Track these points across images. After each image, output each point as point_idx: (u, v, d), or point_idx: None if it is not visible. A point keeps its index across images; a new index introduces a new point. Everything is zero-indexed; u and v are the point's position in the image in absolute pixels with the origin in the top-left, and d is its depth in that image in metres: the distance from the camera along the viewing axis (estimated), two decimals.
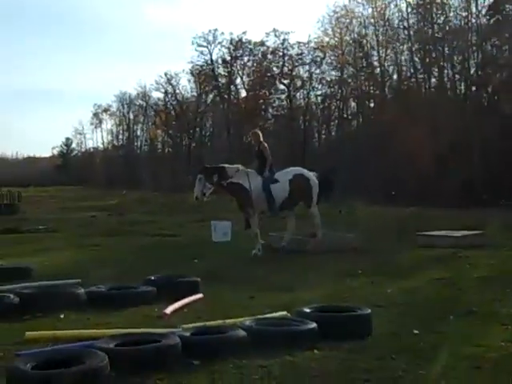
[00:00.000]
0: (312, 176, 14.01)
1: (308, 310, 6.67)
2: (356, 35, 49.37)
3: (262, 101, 58.44)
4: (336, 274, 10.71)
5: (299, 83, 55.10)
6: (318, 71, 53.18)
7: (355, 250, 13.67)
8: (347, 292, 8.98)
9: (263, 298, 8.49)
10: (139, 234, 18.12)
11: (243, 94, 61.73)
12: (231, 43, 59.47)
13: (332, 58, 51.59)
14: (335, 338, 6.12)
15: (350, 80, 50.11)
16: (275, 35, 55.75)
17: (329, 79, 52.19)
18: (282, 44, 55.67)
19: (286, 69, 55.70)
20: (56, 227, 20.69)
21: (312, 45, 53.00)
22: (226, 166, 13.87)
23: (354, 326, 6.41)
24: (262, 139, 13.95)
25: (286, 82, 55.76)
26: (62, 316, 7.45)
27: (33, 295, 7.96)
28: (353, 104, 52.27)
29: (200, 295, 8.47)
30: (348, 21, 49.32)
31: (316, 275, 10.66)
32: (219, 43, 60.21)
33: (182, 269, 10.50)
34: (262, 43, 57.50)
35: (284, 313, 7.15)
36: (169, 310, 7.40)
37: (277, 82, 56.74)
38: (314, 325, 6.13)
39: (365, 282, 10.03)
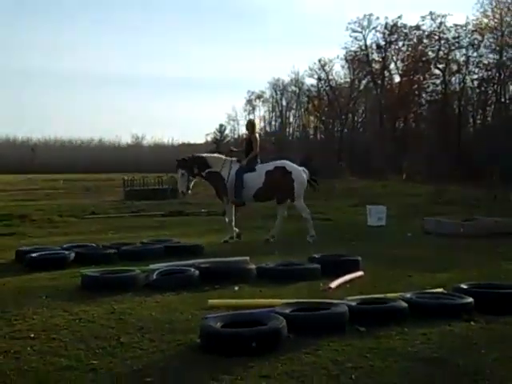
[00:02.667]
0: (297, 170, 13.66)
1: (465, 286, 7.16)
2: None
3: (415, 86, 57.87)
4: (491, 257, 11.02)
5: (455, 67, 54.03)
6: (475, 54, 51.98)
7: (510, 234, 13.82)
8: (502, 273, 9.29)
9: (420, 277, 8.98)
10: (295, 218, 18.83)
11: (397, 79, 61.43)
12: (386, 28, 59.24)
13: (491, 40, 50.26)
14: (491, 312, 6.59)
15: (509, 63, 48.63)
16: (431, 18, 54.98)
17: (486, 62, 50.92)
18: (439, 27, 54.76)
19: (441, 53, 54.74)
20: (216, 211, 21.81)
21: (470, 27, 51.80)
22: (206, 155, 14.04)
23: (509, 302, 6.83)
24: (256, 130, 14.00)
25: (441, 66, 54.85)
26: (236, 288, 8.27)
27: (210, 269, 8.89)
28: (511, 88, 50.76)
29: (361, 273, 9.09)
30: (509, 1, 47.83)
31: (471, 258, 11.02)
32: (374, 28, 60.19)
33: (341, 250, 11.09)
34: (418, 27, 56.77)
35: (441, 289, 7.62)
36: (333, 284, 8.06)
37: (432, 67, 55.91)
38: (470, 299, 6.63)
39: None
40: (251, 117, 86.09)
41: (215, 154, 14.26)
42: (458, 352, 5.41)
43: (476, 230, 14.17)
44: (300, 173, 13.66)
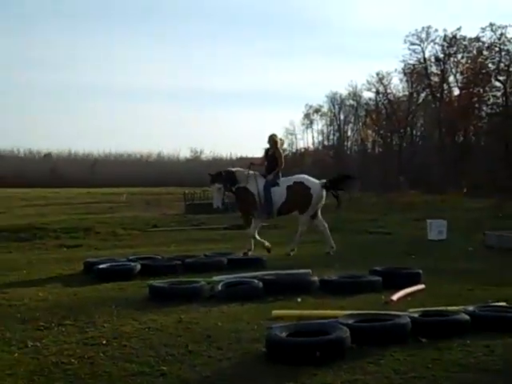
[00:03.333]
0: (315, 185, 13.69)
1: None
2: None
3: (475, 99, 57.17)
4: None
5: None
6: None
7: None
8: None
9: (481, 291, 9.00)
10: (357, 231, 18.96)
11: (456, 92, 60.77)
12: (445, 40, 58.75)
13: None
14: None
15: None
16: (491, 30, 54.12)
17: None
18: (499, 39, 53.94)
19: (502, 65, 53.97)
20: (277, 224, 21.85)
21: None
22: (235, 170, 13.95)
23: None
24: (279, 145, 13.99)
25: (501, 78, 54.10)
26: (299, 299, 8.44)
27: (274, 281, 9.09)
28: None
29: (422, 286, 9.15)
30: None
31: None
32: (432, 41, 59.74)
33: (401, 263, 11.14)
34: (478, 39, 56.07)
35: (504, 303, 7.66)
36: (395, 296, 8.17)
37: (492, 79, 55.22)
38: None
39: None
40: (309, 130, 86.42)
41: (240, 169, 14.20)
42: None
43: None
44: (318, 187, 13.71)
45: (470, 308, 6.95)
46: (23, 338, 6.59)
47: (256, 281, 8.95)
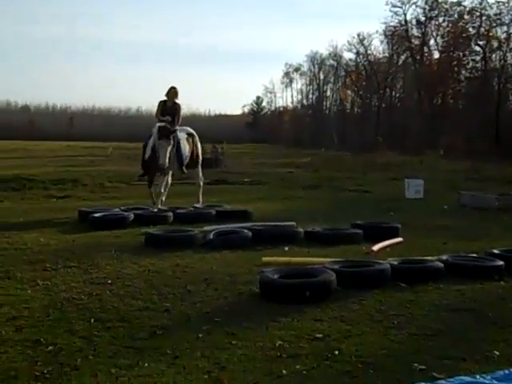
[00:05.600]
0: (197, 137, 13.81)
1: (497, 251, 7.87)
2: None
3: (455, 62, 57.62)
4: None
5: (496, 44, 53.68)
6: None
7: None
8: None
9: (454, 244, 9.64)
10: (337, 189, 19.55)
11: (436, 55, 61.21)
12: (426, 3, 58.89)
13: None
14: None
15: None
16: None
17: None
18: (480, 4, 54.18)
19: (482, 29, 54.26)
20: (259, 180, 22.51)
21: None
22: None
23: None
24: (178, 98, 13.31)
25: (481, 43, 54.47)
26: (286, 248, 9.06)
27: (262, 231, 9.69)
28: None
29: (400, 239, 9.79)
30: None
31: (503, 229, 11.69)
32: (414, 3, 59.84)
33: (380, 219, 11.76)
34: (459, 3, 56.30)
35: (474, 255, 8.31)
36: (375, 247, 8.79)
37: (472, 44, 55.62)
38: (501, 262, 7.36)
39: None
40: (288, 89, 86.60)
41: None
42: (488, 305, 6.14)
43: (510, 204, 14.69)
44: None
45: (444, 257, 7.61)
46: (33, 278, 7.12)
47: (246, 230, 9.53)
